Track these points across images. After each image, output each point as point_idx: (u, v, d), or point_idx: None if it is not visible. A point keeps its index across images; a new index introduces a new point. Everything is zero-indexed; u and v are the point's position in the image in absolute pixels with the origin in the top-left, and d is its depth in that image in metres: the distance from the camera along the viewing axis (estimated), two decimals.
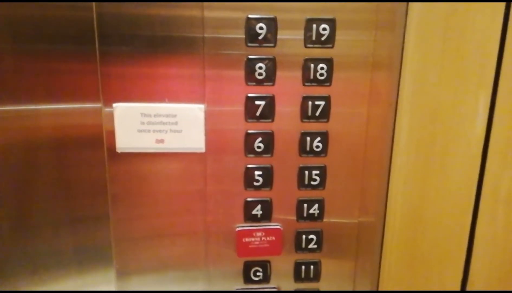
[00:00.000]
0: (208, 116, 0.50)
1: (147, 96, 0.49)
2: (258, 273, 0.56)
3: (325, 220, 0.55)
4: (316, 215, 0.54)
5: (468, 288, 0.56)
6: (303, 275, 0.57)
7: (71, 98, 0.48)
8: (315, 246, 0.56)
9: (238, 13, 0.47)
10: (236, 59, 0.48)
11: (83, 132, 0.49)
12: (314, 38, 0.48)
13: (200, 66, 0.48)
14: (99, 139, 0.50)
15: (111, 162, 0.50)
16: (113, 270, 0.54)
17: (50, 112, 0.48)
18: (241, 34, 0.48)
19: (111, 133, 0.50)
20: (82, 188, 0.51)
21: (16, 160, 0.49)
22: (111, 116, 0.49)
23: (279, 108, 0.50)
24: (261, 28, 0.47)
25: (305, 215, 0.54)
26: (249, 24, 0.47)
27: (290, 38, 0.48)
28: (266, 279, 0.56)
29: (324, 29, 0.48)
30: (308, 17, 0.47)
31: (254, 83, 0.49)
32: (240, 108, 0.50)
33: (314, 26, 0.48)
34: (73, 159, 0.50)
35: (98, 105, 0.49)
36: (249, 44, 0.48)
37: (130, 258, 0.54)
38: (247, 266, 0.56)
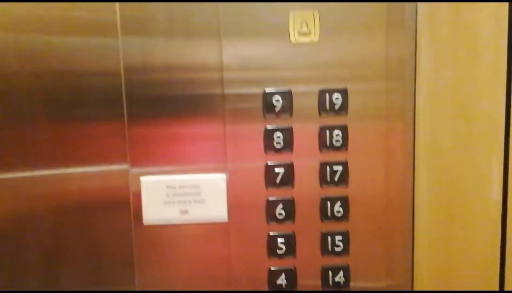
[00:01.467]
0: (229, 182, 0.51)
1: (171, 158, 0.51)
2: None
3: (351, 286, 0.54)
4: (342, 282, 0.53)
5: None
6: None
7: (99, 160, 0.50)
8: None
9: (256, 88, 0.50)
10: (254, 130, 0.51)
11: (109, 195, 0.51)
12: (328, 107, 0.51)
13: (221, 137, 0.51)
14: (126, 202, 0.51)
15: (137, 226, 0.51)
16: None
17: (78, 176, 0.50)
18: (258, 107, 0.50)
19: (138, 195, 0.51)
20: (109, 253, 0.52)
21: (44, 224, 0.51)
22: (137, 177, 0.51)
23: (298, 174, 0.52)
24: (277, 100, 0.50)
25: (330, 283, 0.53)
26: (266, 98, 0.50)
27: (305, 107, 0.51)
28: None
29: (337, 98, 0.50)
30: (321, 89, 0.50)
31: (273, 152, 0.51)
32: (260, 175, 0.52)
33: (327, 95, 0.51)
34: (100, 223, 0.51)
35: (125, 166, 0.51)
36: (267, 115, 0.50)
37: None
38: None
